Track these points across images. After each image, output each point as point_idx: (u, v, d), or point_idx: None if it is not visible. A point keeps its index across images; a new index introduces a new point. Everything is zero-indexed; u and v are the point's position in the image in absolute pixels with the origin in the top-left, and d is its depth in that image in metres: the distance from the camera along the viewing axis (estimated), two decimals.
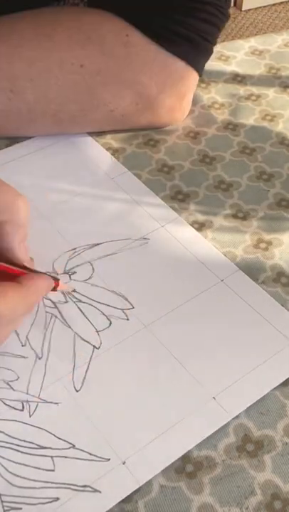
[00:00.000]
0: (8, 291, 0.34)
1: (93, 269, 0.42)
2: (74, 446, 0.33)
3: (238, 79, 0.58)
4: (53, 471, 0.32)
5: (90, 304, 0.40)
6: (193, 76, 0.51)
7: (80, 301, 0.40)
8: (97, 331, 0.38)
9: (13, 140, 0.52)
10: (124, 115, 0.51)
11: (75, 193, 0.47)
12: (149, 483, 0.32)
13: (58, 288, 0.38)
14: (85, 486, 0.32)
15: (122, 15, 0.48)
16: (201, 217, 0.46)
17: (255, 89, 0.57)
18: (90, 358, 0.37)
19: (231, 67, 0.60)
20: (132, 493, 0.32)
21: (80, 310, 0.39)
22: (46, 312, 0.39)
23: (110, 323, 0.39)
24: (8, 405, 0.35)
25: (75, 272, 0.41)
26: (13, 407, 0.35)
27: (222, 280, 0.41)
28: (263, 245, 0.44)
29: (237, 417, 0.35)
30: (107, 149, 0.51)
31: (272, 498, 0.32)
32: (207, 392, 0.35)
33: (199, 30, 0.49)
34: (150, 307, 0.40)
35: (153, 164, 0.50)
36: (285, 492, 0.32)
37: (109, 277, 0.41)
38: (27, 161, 0.50)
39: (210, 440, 0.34)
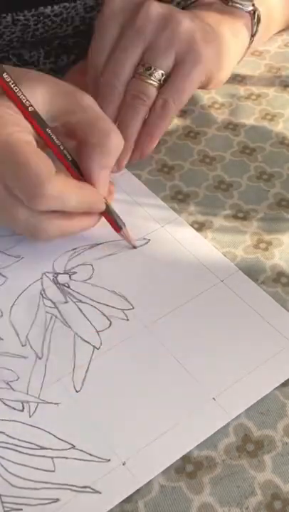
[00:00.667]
0: (61, 176, 0.38)
1: (93, 269, 0.42)
2: (74, 446, 0.33)
3: (238, 79, 0.58)
4: (53, 471, 0.32)
5: (90, 304, 0.40)
6: None
7: (80, 301, 0.40)
8: (97, 331, 0.38)
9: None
10: None
11: None
12: (149, 483, 0.32)
13: (122, 232, 0.42)
14: (85, 487, 0.32)
15: None
16: (201, 218, 0.46)
17: (255, 89, 0.57)
18: (90, 359, 0.37)
19: None
20: (132, 493, 0.32)
21: (80, 310, 0.39)
22: (46, 312, 0.39)
23: (110, 324, 0.39)
24: (8, 406, 0.35)
25: (75, 272, 0.41)
26: (13, 408, 0.35)
27: (222, 280, 0.41)
28: (263, 245, 0.44)
29: (237, 417, 0.35)
30: None
31: (273, 498, 0.32)
32: (207, 392, 0.35)
33: None
34: (150, 307, 0.40)
35: (153, 164, 0.50)
36: (285, 492, 0.32)
37: (110, 277, 0.41)
38: None
39: (210, 440, 0.34)
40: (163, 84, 0.46)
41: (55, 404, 0.35)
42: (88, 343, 0.38)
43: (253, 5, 0.52)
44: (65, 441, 0.33)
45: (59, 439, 0.33)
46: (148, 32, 0.46)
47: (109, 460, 0.33)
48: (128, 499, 0.32)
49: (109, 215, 0.42)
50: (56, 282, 0.41)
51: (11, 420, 0.34)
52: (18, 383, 0.36)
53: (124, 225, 0.43)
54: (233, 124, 0.54)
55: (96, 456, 0.33)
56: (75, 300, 0.40)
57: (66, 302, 0.40)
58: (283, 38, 0.63)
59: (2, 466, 0.32)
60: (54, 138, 0.40)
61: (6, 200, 0.38)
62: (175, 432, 0.34)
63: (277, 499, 0.32)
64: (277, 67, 0.60)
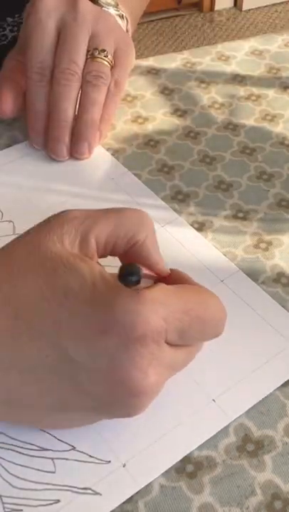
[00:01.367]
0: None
1: None
2: (74, 448, 0.33)
3: (238, 79, 0.58)
4: (53, 473, 0.32)
5: None
6: None
7: None
8: None
9: (12, 141, 0.52)
10: None
11: (75, 194, 0.47)
12: (149, 483, 0.32)
13: None
14: (85, 489, 0.32)
15: None
16: (201, 218, 0.46)
17: (255, 90, 0.57)
18: None
19: (231, 67, 0.60)
20: None
21: None
22: None
23: None
24: None
25: None
26: None
27: (222, 280, 0.41)
28: (263, 245, 0.44)
29: (237, 417, 0.35)
30: (107, 149, 0.51)
31: (273, 498, 0.32)
32: (207, 394, 0.35)
33: None
34: None
35: (153, 164, 0.50)
36: (286, 492, 0.32)
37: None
38: (27, 161, 0.50)
39: (210, 440, 0.34)
40: (111, 67, 0.51)
41: None
42: None
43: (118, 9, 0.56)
44: (66, 443, 0.33)
45: (59, 440, 0.33)
46: (89, 22, 0.50)
47: (109, 462, 0.33)
48: (128, 499, 0.32)
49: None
50: None
51: None
52: None
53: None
54: (233, 124, 0.54)
55: (96, 458, 0.33)
56: None
57: None
58: (283, 37, 0.64)
59: (3, 467, 0.32)
60: None
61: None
62: (175, 434, 0.34)
63: (278, 499, 0.32)
64: (277, 68, 0.60)
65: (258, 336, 0.38)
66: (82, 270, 0.30)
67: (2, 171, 0.49)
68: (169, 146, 0.52)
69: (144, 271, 0.33)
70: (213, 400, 0.35)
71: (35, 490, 0.32)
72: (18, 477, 0.32)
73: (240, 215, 0.46)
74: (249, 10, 2.28)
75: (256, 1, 2.28)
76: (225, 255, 0.43)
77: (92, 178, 0.48)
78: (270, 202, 0.47)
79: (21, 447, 0.33)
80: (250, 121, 0.54)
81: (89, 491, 0.32)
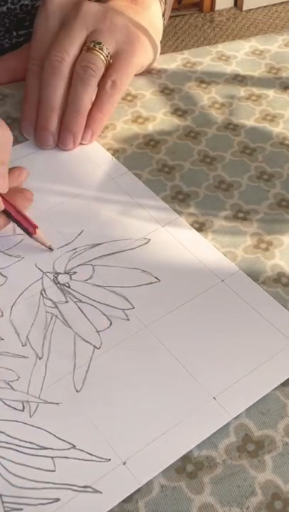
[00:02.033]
0: None
1: (94, 269, 0.42)
2: (74, 446, 0.33)
3: (238, 79, 0.58)
4: (53, 471, 0.32)
5: (90, 304, 0.40)
6: None
7: (81, 301, 0.40)
8: (97, 331, 0.38)
9: (13, 141, 0.52)
10: None
11: (75, 194, 0.47)
12: (149, 483, 0.32)
13: (34, 235, 0.42)
14: (85, 487, 0.32)
15: None
16: (201, 218, 0.46)
17: (255, 90, 0.57)
18: (91, 358, 0.37)
19: (232, 67, 0.60)
20: (132, 493, 0.32)
21: (81, 310, 0.39)
22: (46, 312, 0.39)
23: (111, 324, 0.39)
24: (9, 405, 0.35)
25: (75, 272, 0.41)
26: (13, 408, 0.35)
27: (222, 280, 0.41)
28: (263, 245, 0.44)
29: (237, 417, 0.35)
30: (108, 150, 0.51)
31: (273, 499, 0.32)
32: (207, 392, 0.35)
33: None
34: (150, 307, 0.40)
35: (153, 164, 0.50)
36: (286, 492, 0.32)
37: (110, 277, 0.41)
38: (27, 161, 0.50)
39: (210, 440, 0.34)
40: (108, 65, 0.51)
41: (56, 404, 0.35)
42: (88, 342, 0.38)
43: None
44: (66, 441, 0.33)
45: (59, 438, 0.33)
46: (90, 22, 0.51)
47: (109, 460, 0.33)
48: (128, 499, 0.32)
49: (14, 218, 0.42)
50: (57, 282, 0.41)
51: (11, 420, 0.34)
52: (19, 383, 0.36)
53: (36, 227, 0.42)
54: (233, 124, 0.54)
55: (96, 456, 0.33)
56: (75, 300, 0.40)
57: (66, 302, 0.40)
58: (284, 37, 0.64)
59: (3, 466, 0.32)
60: None
61: None
62: (176, 432, 0.34)
63: (278, 499, 0.32)
64: (278, 68, 0.60)
65: (259, 334, 0.38)
66: None
67: None
68: (169, 146, 0.52)
69: None
70: (214, 398, 0.35)
71: (35, 489, 0.32)
72: (18, 476, 0.32)
73: (241, 215, 0.46)
74: (249, 10, 2.28)
75: (256, 1, 2.27)
76: (225, 255, 0.43)
77: (93, 178, 0.48)
78: (271, 202, 0.47)
79: (21, 446, 0.33)
80: (250, 121, 0.54)
81: (89, 489, 0.32)
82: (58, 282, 0.41)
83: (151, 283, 0.41)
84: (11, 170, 0.44)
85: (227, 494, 0.32)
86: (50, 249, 0.42)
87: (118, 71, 0.51)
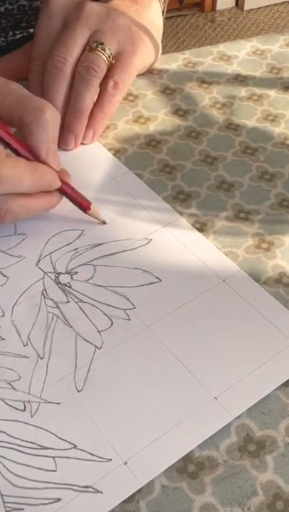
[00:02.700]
0: (12, 159, 0.40)
1: (95, 269, 0.42)
2: (76, 446, 0.33)
3: (239, 79, 0.58)
4: (54, 471, 0.32)
5: (91, 304, 0.40)
6: None
7: (82, 301, 0.40)
8: (98, 331, 0.38)
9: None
10: None
11: None
12: (150, 483, 0.32)
13: (89, 211, 0.44)
14: (86, 487, 0.32)
15: None
16: (202, 218, 0.46)
17: (256, 89, 0.57)
18: (92, 358, 0.37)
19: (233, 67, 0.60)
20: (133, 493, 0.32)
21: (82, 310, 0.39)
22: (48, 312, 0.39)
23: (112, 324, 0.39)
24: (10, 405, 0.35)
25: (76, 272, 0.41)
26: (14, 408, 0.35)
27: (224, 280, 0.41)
28: (264, 245, 0.44)
29: (239, 417, 0.35)
30: (109, 149, 0.51)
31: (274, 499, 0.32)
32: (209, 392, 0.35)
33: None
34: (152, 307, 0.40)
35: (155, 164, 0.50)
36: (287, 492, 0.32)
37: (111, 277, 0.41)
38: None
39: (212, 440, 0.34)
40: (110, 65, 0.51)
41: (57, 404, 0.35)
42: (90, 342, 0.38)
43: None
44: (67, 441, 0.33)
45: (60, 438, 0.33)
46: (92, 22, 0.51)
47: (110, 460, 0.33)
48: (130, 499, 0.32)
49: (68, 193, 0.44)
50: (58, 282, 0.41)
51: (12, 420, 0.34)
52: (20, 383, 0.36)
53: (91, 202, 0.44)
54: (234, 124, 0.54)
55: (97, 456, 0.33)
56: (76, 300, 0.40)
57: (68, 302, 0.40)
58: (285, 37, 0.64)
59: (4, 465, 0.32)
60: None
61: None
62: (177, 432, 0.34)
63: (279, 499, 0.32)
64: (279, 68, 0.60)
65: (260, 334, 0.38)
66: None
67: None
68: (170, 146, 0.52)
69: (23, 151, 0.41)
70: (215, 398, 0.35)
71: (36, 489, 0.32)
72: (19, 476, 0.32)
73: (242, 215, 0.46)
74: (250, 10, 2.28)
75: (258, 1, 2.27)
76: (226, 255, 0.43)
77: (94, 178, 0.48)
78: (272, 202, 0.47)
79: (22, 446, 0.33)
80: (251, 121, 0.54)
81: (90, 489, 0.32)
82: (59, 282, 0.41)
83: (152, 283, 0.41)
84: None
85: (228, 494, 0.32)
86: (104, 223, 0.44)
87: (120, 71, 0.51)
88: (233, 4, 2.32)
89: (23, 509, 0.31)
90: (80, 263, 0.42)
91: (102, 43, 0.50)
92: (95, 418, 0.34)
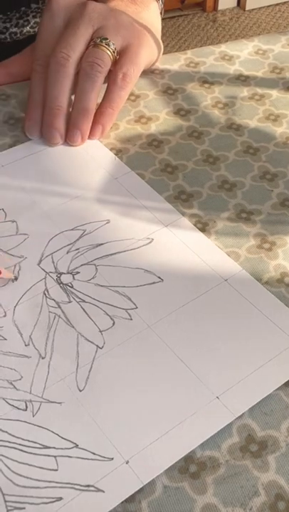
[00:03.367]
0: None
1: (96, 269, 0.42)
2: (77, 445, 0.33)
3: (241, 79, 0.58)
4: (56, 470, 0.32)
5: (93, 304, 0.40)
6: None
7: (84, 301, 0.40)
8: (100, 331, 0.38)
9: (16, 140, 0.52)
10: None
11: (78, 193, 0.47)
12: (152, 483, 0.32)
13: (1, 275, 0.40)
14: (88, 486, 0.32)
15: None
16: (204, 218, 0.46)
17: (258, 89, 0.57)
18: (94, 358, 0.37)
19: (235, 67, 0.60)
20: (135, 493, 0.32)
21: (84, 310, 0.39)
22: (49, 312, 0.39)
23: (114, 323, 0.39)
24: (12, 405, 0.35)
25: (78, 272, 0.42)
26: (16, 407, 0.35)
27: (225, 280, 0.41)
28: (266, 245, 0.44)
29: (241, 417, 0.35)
30: (111, 149, 0.51)
31: (276, 499, 0.32)
32: (211, 391, 0.35)
33: None
34: (153, 307, 0.40)
35: (156, 164, 0.50)
36: None
37: (113, 277, 0.41)
38: (30, 161, 0.50)
39: (213, 440, 0.34)
40: (114, 61, 0.51)
41: (59, 403, 0.35)
42: (91, 342, 0.38)
43: None
44: (68, 440, 0.33)
45: (62, 438, 0.33)
46: (95, 20, 0.51)
47: (112, 459, 0.33)
48: (131, 499, 0.32)
49: None
50: (59, 282, 0.41)
51: (14, 419, 0.34)
52: (22, 383, 0.36)
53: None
54: (236, 124, 0.54)
55: (99, 455, 0.33)
56: (78, 300, 0.40)
57: (69, 302, 0.40)
58: (287, 37, 0.63)
59: (5, 465, 0.32)
60: None
61: None
62: (179, 431, 0.34)
63: (281, 500, 0.32)
64: (281, 68, 0.60)
65: (262, 334, 0.38)
66: None
67: (6, 170, 0.49)
68: (172, 146, 0.52)
69: None
70: (217, 398, 0.35)
71: (38, 488, 0.32)
72: (20, 475, 0.32)
73: (244, 215, 0.46)
74: (252, 9, 2.28)
75: (259, 1, 2.27)
76: (228, 255, 0.43)
77: (96, 178, 0.48)
78: (274, 202, 0.47)
79: (24, 445, 0.33)
80: (253, 121, 0.54)
81: (92, 489, 0.32)
82: (61, 282, 0.41)
83: (154, 283, 0.41)
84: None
85: (230, 495, 0.32)
86: (16, 279, 0.41)
87: (129, 63, 0.51)
88: (235, 4, 2.32)
89: (24, 508, 0.31)
90: (81, 263, 0.42)
91: (106, 38, 0.50)
92: (96, 417, 0.34)
